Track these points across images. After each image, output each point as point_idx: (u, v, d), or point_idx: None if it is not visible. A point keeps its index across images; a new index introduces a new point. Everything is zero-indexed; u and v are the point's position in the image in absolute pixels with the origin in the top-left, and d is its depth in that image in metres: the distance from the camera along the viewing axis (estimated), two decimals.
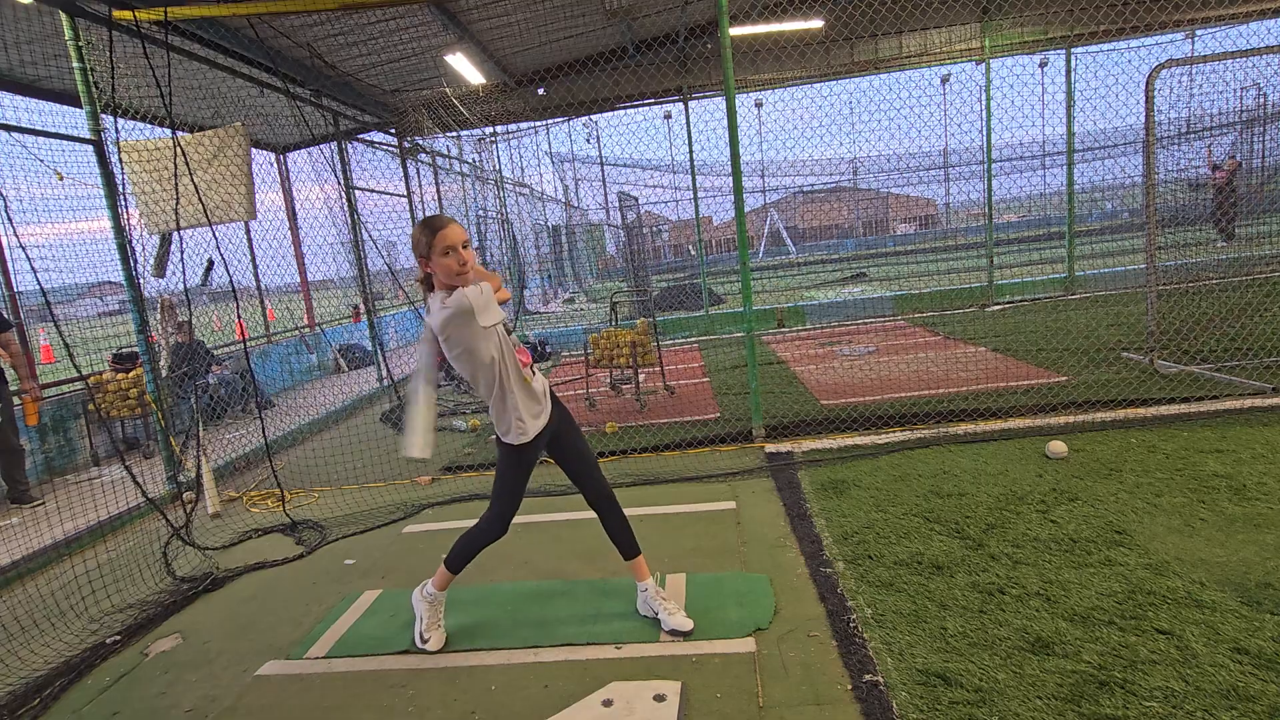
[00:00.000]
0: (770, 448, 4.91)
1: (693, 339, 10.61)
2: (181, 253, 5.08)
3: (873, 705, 2.23)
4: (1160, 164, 5.72)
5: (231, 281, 5.10)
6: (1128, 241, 16.39)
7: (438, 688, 2.61)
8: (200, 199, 4.98)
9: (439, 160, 11.77)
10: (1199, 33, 10.78)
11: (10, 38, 5.57)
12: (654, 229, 31.88)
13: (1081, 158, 16.76)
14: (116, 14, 4.68)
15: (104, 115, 4.98)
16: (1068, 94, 9.72)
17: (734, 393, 6.60)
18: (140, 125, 6.12)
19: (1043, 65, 15.89)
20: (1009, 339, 7.57)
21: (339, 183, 8.40)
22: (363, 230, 8.51)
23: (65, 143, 5.15)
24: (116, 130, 5.02)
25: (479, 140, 13.13)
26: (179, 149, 4.88)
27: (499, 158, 14.03)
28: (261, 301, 10.71)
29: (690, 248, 32.21)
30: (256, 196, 5.40)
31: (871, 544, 3.29)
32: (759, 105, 16.83)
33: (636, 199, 14.73)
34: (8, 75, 6.27)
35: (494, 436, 2.76)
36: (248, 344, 9.39)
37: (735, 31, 8.79)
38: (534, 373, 2.68)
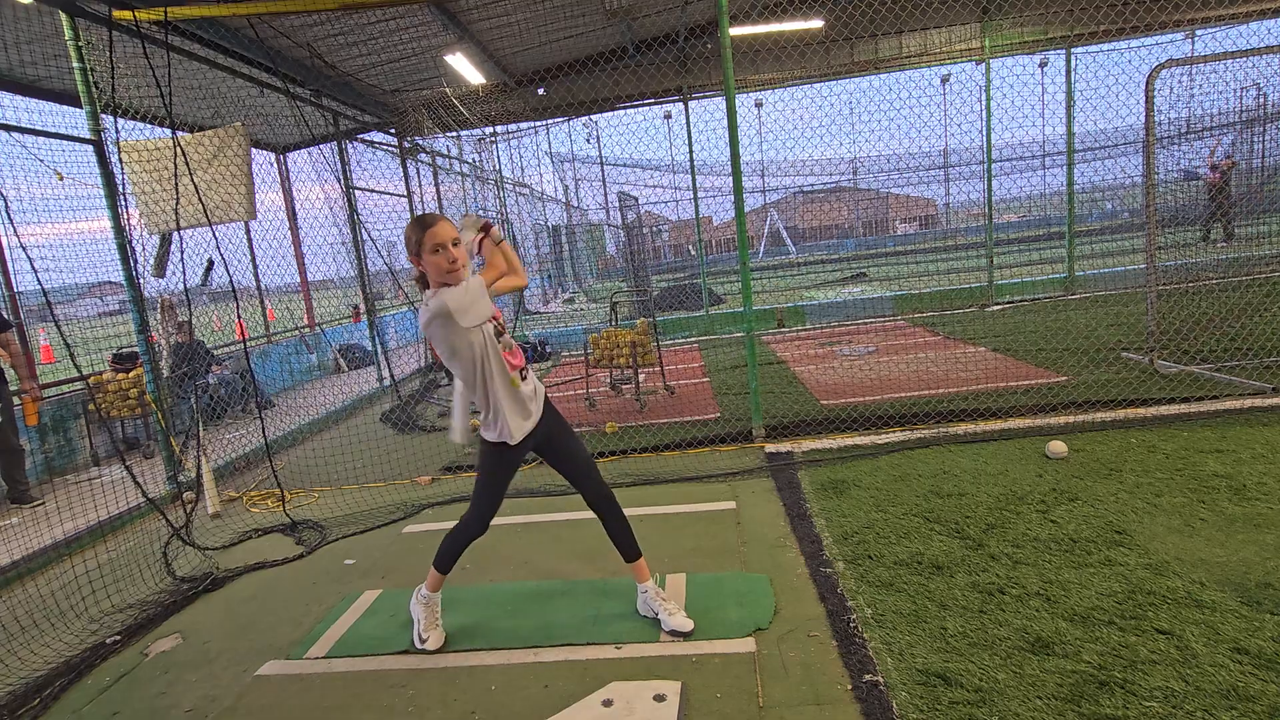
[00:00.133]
0: (770, 448, 4.91)
1: (693, 339, 10.61)
2: (181, 253, 5.09)
3: (873, 705, 2.23)
4: (1160, 164, 5.71)
5: (231, 281, 5.10)
6: (1128, 241, 16.40)
7: (437, 688, 2.61)
8: (200, 199, 4.98)
9: (439, 160, 11.77)
10: (1199, 33, 10.78)
11: (10, 38, 5.57)
12: (654, 229, 31.88)
13: (1081, 158, 16.76)
14: (116, 14, 4.68)
15: (104, 115, 4.98)
16: (1068, 94, 9.72)
17: (734, 393, 6.60)
18: (140, 125, 6.13)
19: (1043, 65, 15.91)
20: (1009, 339, 7.57)
21: (339, 183, 8.41)
22: (363, 230, 8.52)
23: (65, 143, 5.15)
24: (116, 130, 5.02)
25: (479, 140, 13.13)
26: (179, 149, 4.88)
27: (499, 158, 14.04)
28: (261, 301, 10.71)
29: (690, 248, 32.22)
30: (256, 196, 5.40)
31: (871, 544, 3.29)
32: (759, 105, 16.84)
33: (636, 199, 14.72)
34: (8, 75, 6.27)
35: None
36: (248, 344, 9.39)
37: (735, 31, 8.79)
38: (524, 376, 2.67)
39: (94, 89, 4.93)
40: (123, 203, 5.01)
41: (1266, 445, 3.94)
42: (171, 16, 4.76)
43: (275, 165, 10.40)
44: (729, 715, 2.29)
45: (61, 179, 5.06)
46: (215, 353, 8.42)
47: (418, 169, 10.70)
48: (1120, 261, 12.39)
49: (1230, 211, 10.73)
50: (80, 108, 4.96)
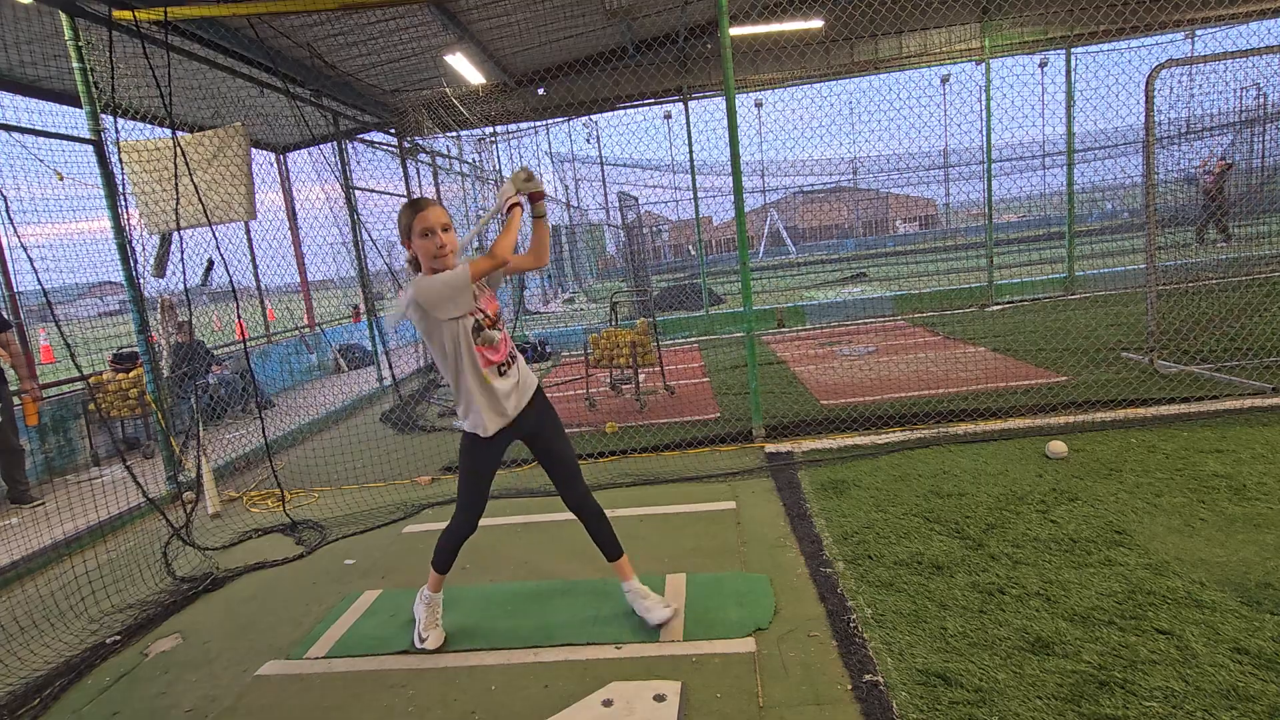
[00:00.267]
0: (770, 448, 4.91)
1: (693, 339, 10.61)
2: (181, 253, 5.08)
3: (873, 705, 2.23)
4: (1160, 164, 5.72)
5: (231, 281, 5.10)
6: (1127, 241, 16.40)
7: (438, 688, 2.61)
8: (200, 199, 4.98)
9: (439, 160, 11.77)
10: (1199, 33, 10.77)
11: (10, 38, 5.57)
12: (654, 229, 31.88)
13: (1081, 158, 16.75)
14: (116, 14, 4.68)
15: (104, 115, 4.98)
16: (1068, 94, 9.72)
17: (734, 393, 6.60)
18: (140, 125, 6.13)
19: (1043, 65, 15.90)
20: (1009, 339, 7.57)
21: (339, 183, 8.41)
22: (363, 230, 8.52)
23: (65, 143, 5.14)
24: (116, 130, 5.02)
25: (479, 140, 13.13)
26: (179, 149, 4.88)
27: (499, 158, 14.03)
28: (261, 301, 10.71)
29: (690, 248, 32.22)
30: (256, 196, 5.40)
31: (871, 544, 3.29)
32: (759, 105, 16.84)
33: (636, 199, 14.72)
34: (8, 75, 6.26)
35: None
36: (248, 344, 9.39)
37: (735, 31, 8.79)
38: (503, 373, 2.63)
39: (94, 89, 4.93)
40: (123, 203, 5.01)
41: (1266, 445, 3.94)
42: (171, 16, 4.76)
43: (275, 165, 10.40)
44: (729, 715, 2.29)
45: (61, 179, 5.06)
46: (215, 353, 8.43)
47: (418, 169, 10.71)
48: (1120, 261, 12.39)
49: (1227, 212, 10.72)
50: (80, 108, 4.96)
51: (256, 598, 3.57)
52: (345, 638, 3.04)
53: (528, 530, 4.01)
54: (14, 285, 6.51)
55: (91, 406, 6.73)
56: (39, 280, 3.82)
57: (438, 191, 11.72)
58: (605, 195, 23.74)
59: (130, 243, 5.04)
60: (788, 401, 5.98)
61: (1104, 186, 25.64)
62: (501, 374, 2.63)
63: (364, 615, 3.22)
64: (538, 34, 8.52)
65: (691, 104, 10.72)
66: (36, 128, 5.10)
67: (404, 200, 9.95)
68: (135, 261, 5.08)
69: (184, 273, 4.95)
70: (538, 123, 12.63)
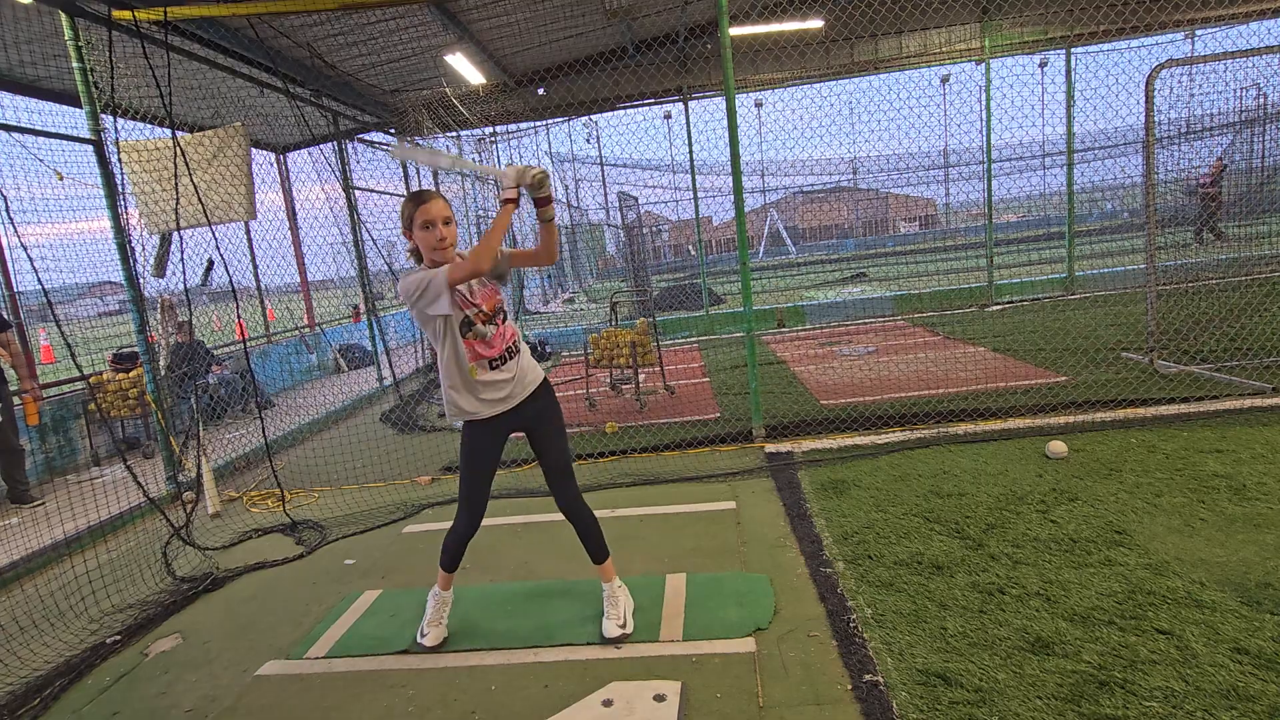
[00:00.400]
0: (770, 448, 4.91)
1: (693, 339, 10.61)
2: (181, 253, 5.09)
3: (873, 705, 2.23)
4: (1160, 164, 5.72)
5: (231, 281, 5.10)
6: (1127, 241, 16.40)
7: (438, 688, 2.61)
8: (200, 199, 4.98)
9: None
10: (1199, 33, 10.77)
11: (10, 38, 5.57)
12: (654, 229, 31.89)
13: (1081, 158, 16.77)
14: (116, 14, 4.68)
15: (104, 115, 4.98)
16: (1068, 94, 9.72)
17: (734, 393, 6.60)
18: (140, 125, 6.12)
19: (1043, 65, 15.89)
20: (1009, 339, 7.57)
21: (339, 183, 8.41)
22: (363, 230, 8.52)
23: (65, 143, 5.15)
24: (116, 130, 5.02)
25: (479, 140, 13.13)
26: (179, 149, 4.88)
27: (499, 158, 14.03)
28: (261, 301, 10.71)
29: (690, 248, 32.23)
30: (256, 196, 5.40)
31: (871, 544, 3.29)
32: (759, 105, 16.83)
33: (636, 199, 14.72)
34: (8, 75, 6.26)
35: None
36: (248, 344, 9.39)
37: (735, 31, 8.79)
38: (493, 367, 2.63)
39: (94, 89, 4.93)
40: (123, 203, 5.01)
41: (1266, 445, 3.94)
42: (171, 16, 4.76)
43: (275, 165, 10.40)
44: (729, 715, 2.29)
45: (61, 179, 5.06)
46: (215, 353, 8.43)
47: (418, 169, 10.71)
48: (1120, 261, 12.39)
49: (1215, 212, 10.71)
50: (80, 108, 4.96)
51: (256, 598, 3.57)
52: (345, 638, 3.04)
53: (528, 530, 4.01)
54: (14, 285, 6.51)
55: (92, 406, 6.74)
56: (39, 280, 3.82)
57: (438, 192, 11.70)
58: (605, 195, 23.77)
59: (130, 243, 5.04)
60: (788, 401, 5.98)
61: (1104, 186, 25.66)
62: (493, 368, 2.63)
63: (364, 615, 3.22)
64: (538, 34, 8.52)
65: (691, 104, 10.73)
66: (36, 128, 5.10)
67: (401, 198, 9.96)
68: (135, 261, 5.08)
69: (184, 273, 4.96)
70: (538, 123, 12.63)
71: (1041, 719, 2.08)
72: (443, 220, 2.54)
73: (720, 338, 10.43)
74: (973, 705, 2.16)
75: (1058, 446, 4.13)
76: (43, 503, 5.46)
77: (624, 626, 2.78)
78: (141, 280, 5.16)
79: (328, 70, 7.51)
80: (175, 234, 5.20)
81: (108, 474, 6.32)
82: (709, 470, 4.63)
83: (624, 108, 10.68)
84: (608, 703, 2.38)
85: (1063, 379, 5.73)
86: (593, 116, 13.59)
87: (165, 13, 4.72)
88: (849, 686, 2.34)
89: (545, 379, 2.83)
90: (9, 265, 6.39)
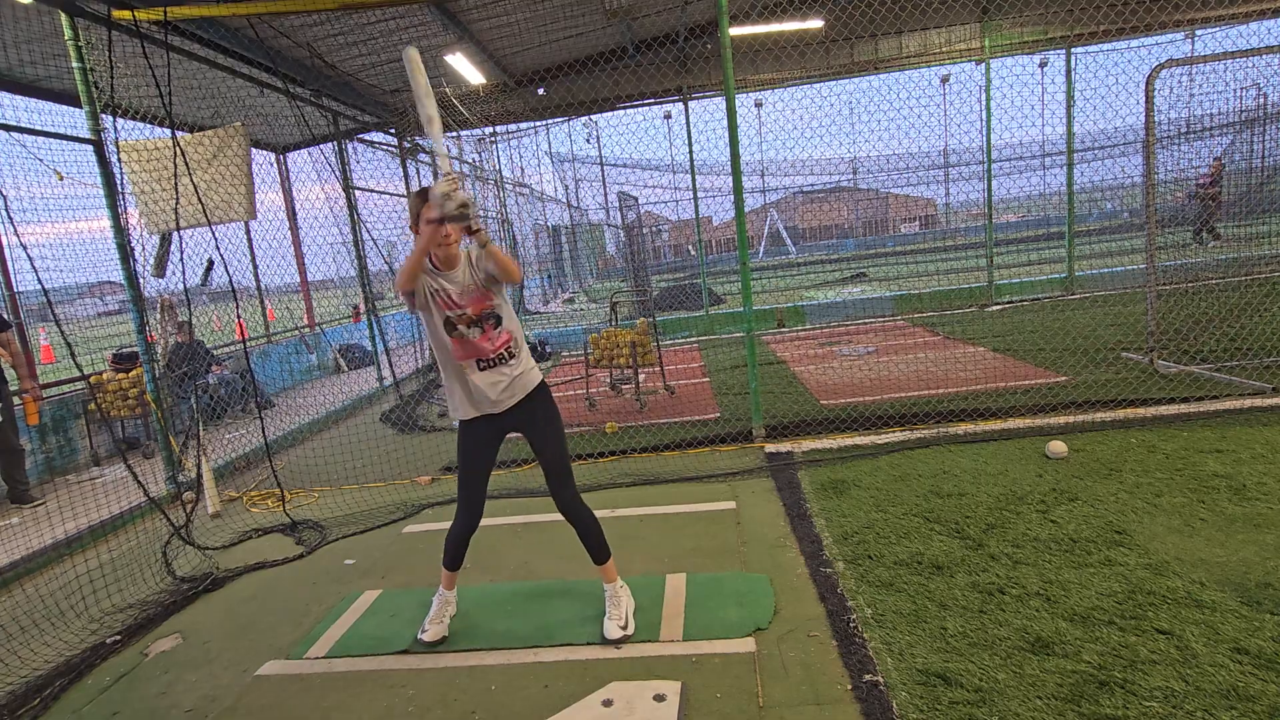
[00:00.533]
0: (770, 448, 4.91)
1: (693, 339, 10.61)
2: (181, 253, 5.09)
3: (873, 705, 2.23)
4: (1160, 164, 5.72)
5: (231, 281, 5.10)
6: (1127, 241, 16.40)
7: (438, 688, 2.61)
8: (200, 199, 4.98)
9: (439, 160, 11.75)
10: (1199, 33, 10.77)
11: (10, 38, 5.57)
12: (654, 229, 31.91)
13: (1081, 158, 16.77)
14: (116, 14, 4.68)
15: (104, 115, 4.97)
16: (1068, 94, 9.72)
17: (734, 393, 6.60)
18: (140, 125, 6.12)
19: (1043, 65, 15.92)
20: (1009, 339, 7.57)
21: (339, 183, 8.41)
22: (363, 230, 8.52)
23: (65, 143, 5.15)
24: (116, 130, 5.02)
25: (479, 140, 13.14)
26: (179, 149, 4.88)
27: (499, 158, 14.04)
28: (261, 301, 10.71)
29: (690, 248, 32.23)
30: (256, 196, 5.40)
31: (871, 544, 3.29)
32: (759, 105, 16.86)
33: (636, 199, 14.72)
34: (8, 75, 6.26)
35: None
36: (248, 344, 9.39)
37: (735, 31, 8.79)
38: (481, 368, 2.69)
39: (94, 89, 4.93)
40: (122, 203, 5.01)
41: (1266, 445, 3.94)
42: (171, 16, 4.76)
43: (275, 165, 10.40)
44: (729, 715, 2.29)
45: (61, 179, 5.06)
46: (215, 353, 8.42)
47: (418, 169, 10.70)
48: (1120, 261, 12.39)
49: (1214, 213, 10.71)
50: (80, 108, 4.96)
51: (256, 598, 3.57)
52: (345, 638, 3.04)
53: (528, 530, 4.01)
54: (14, 285, 6.51)
55: (91, 406, 6.74)
56: (39, 280, 3.82)
57: None
58: (605, 195, 23.77)
59: (130, 243, 5.04)
60: (788, 401, 5.98)
61: (1104, 186, 25.66)
62: (481, 369, 2.70)
63: (364, 615, 3.22)
64: (538, 34, 8.52)
65: (691, 104, 10.73)
66: (36, 128, 5.11)
67: (401, 198, 9.95)
68: (135, 261, 5.08)
69: (184, 273, 4.96)
70: (538, 123, 12.64)
71: (1041, 719, 2.08)
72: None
73: (720, 338, 10.43)
74: (973, 705, 2.16)
75: (1058, 446, 4.13)
76: (43, 503, 5.46)
77: (625, 628, 2.79)
78: (141, 280, 5.15)
79: (328, 70, 7.51)
80: (175, 234, 5.20)
81: (108, 474, 6.32)
82: (709, 470, 4.63)
83: (624, 108, 10.68)
84: (608, 703, 2.38)
85: (1063, 379, 5.73)
86: (593, 116, 13.60)
87: (165, 13, 4.72)
88: (849, 686, 2.34)
89: (542, 381, 2.86)
90: (9, 265, 6.39)
